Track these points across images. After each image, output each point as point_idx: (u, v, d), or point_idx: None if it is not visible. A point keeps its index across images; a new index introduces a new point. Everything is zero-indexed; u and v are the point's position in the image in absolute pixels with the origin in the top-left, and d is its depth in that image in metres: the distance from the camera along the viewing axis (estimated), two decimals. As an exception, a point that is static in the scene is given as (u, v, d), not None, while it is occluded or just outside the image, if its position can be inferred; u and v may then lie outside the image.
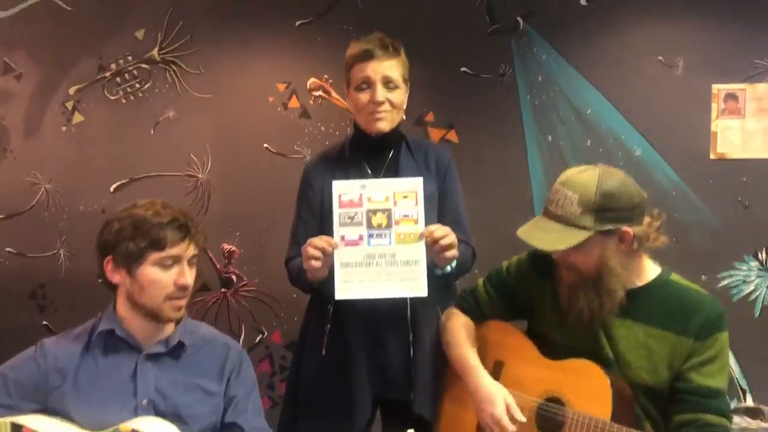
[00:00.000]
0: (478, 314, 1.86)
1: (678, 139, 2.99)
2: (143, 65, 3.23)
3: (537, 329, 1.80)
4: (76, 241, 3.27)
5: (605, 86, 3.04)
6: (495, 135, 3.10)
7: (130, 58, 3.24)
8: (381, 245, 1.68)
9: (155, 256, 1.42)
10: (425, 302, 1.76)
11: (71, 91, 3.29)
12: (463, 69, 3.10)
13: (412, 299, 1.78)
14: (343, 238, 1.69)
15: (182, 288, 1.44)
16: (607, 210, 1.50)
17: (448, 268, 1.81)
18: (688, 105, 2.99)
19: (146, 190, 3.20)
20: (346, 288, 1.68)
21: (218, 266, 3.23)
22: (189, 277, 1.46)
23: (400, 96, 1.84)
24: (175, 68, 3.22)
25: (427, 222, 1.71)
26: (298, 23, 3.19)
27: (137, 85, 3.23)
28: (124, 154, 3.23)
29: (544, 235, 1.54)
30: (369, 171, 1.86)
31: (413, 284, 1.67)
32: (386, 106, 1.80)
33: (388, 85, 1.80)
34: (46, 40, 3.27)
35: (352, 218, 1.69)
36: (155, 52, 3.22)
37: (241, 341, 3.18)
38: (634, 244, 1.55)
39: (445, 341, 1.84)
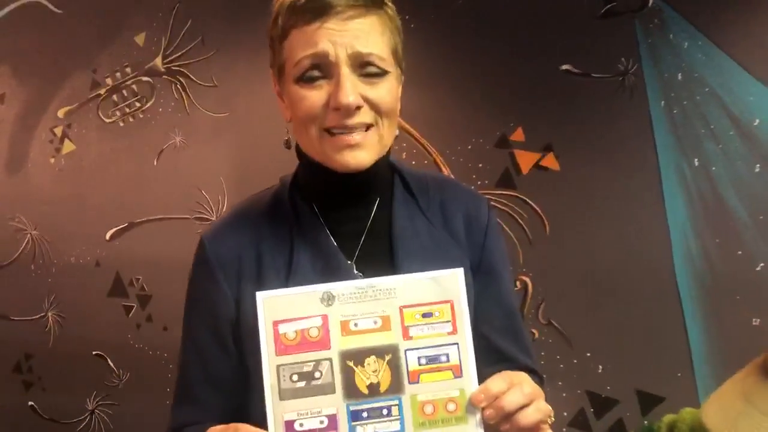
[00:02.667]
0: None
1: None
2: (144, 78, 2.85)
3: None
4: (66, 301, 2.94)
5: None
6: (614, 160, 2.42)
7: (128, 69, 2.87)
8: None
9: None
10: None
11: (60, 113, 2.95)
12: (564, 67, 2.45)
13: None
14: (290, 427, 0.81)
15: None
16: None
17: None
18: None
19: (149, 236, 2.83)
20: None
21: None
22: None
23: (391, 90, 0.94)
24: (183, 81, 2.81)
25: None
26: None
27: (137, 104, 2.85)
28: (122, 191, 2.88)
29: None
30: (334, 245, 0.98)
31: None
32: (364, 116, 0.92)
33: (365, 68, 0.92)
34: (32, 52, 2.97)
35: (307, 376, 0.82)
36: (159, 60, 2.83)
37: None
38: None
39: None
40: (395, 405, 0.80)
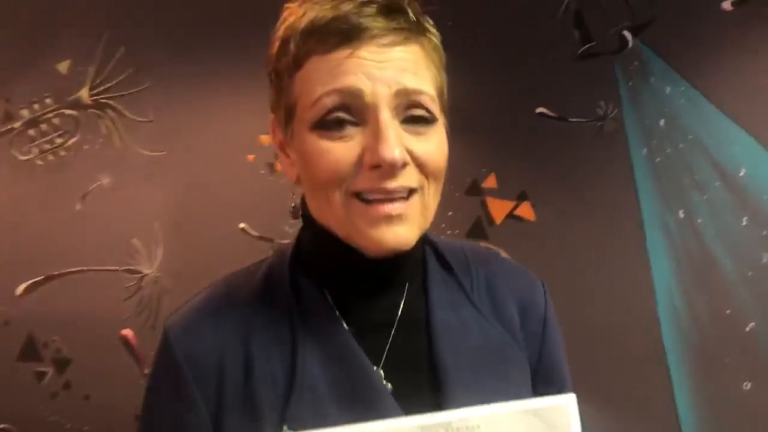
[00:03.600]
0: None
1: None
2: (68, 111, 2.66)
3: None
4: (-32, 371, 2.69)
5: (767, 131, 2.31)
6: (593, 211, 2.42)
7: (49, 101, 2.66)
8: None
9: None
10: None
11: None
12: (540, 110, 2.45)
13: None
14: None
15: None
16: None
17: None
18: None
19: (69, 291, 2.60)
20: None
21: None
22: None
23: (441, 143, 0.74)
24: (113, 114, 2.65)
25: None
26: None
27: (59, 140, 2.64)
28: (38, 239, 2.65)
29: None
30: (354, 345, 0.75)
31: None
32: (408, 177, 0.71)
33: (410, 111, 0.71)
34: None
35: None
36: (85, 91, 2.65)
37: None
38: None
39: None
40: None
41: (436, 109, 0.71)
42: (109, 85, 2.64)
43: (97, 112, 2.63)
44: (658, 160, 2.33)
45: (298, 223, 2.34)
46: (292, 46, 0.71)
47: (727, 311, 2.17)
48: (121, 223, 2.62)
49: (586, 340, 2.29)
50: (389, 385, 0.73)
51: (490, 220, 2.38)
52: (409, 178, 0.69)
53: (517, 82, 2.47)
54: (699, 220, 2.27)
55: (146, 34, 2.66)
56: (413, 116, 0.69)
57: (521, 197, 2.42)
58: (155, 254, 2.61)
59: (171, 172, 2.64)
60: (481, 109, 2.39)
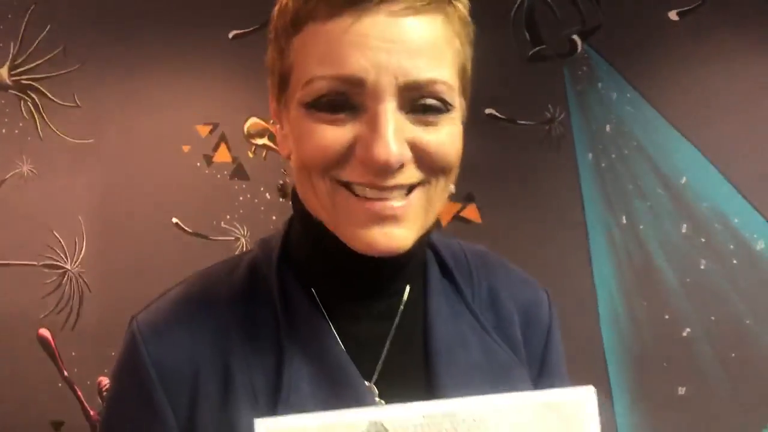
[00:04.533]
0: None
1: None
2: None
3: None
4: None
5: (709, 141, 2.36)
6: (539, 214, 2.42)
7: None
8: None
9: None
10: None
11: None
12: (488, 111, 2.42)
13: None
14: None
15: None
16: None
17: None
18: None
19: None
20: None
21: (91, 410, 2.51)
22: None
23: (454, 135, 0.63)
24: (35, 97, 2.54)
25: None
26: (232, 34, 2.61)
27: None
28: None
29: None
30: (344, 356, 0.67)
31: None
32: (409, 174, 0.61)
33: (420, 100, 0.60)
34: None
35: None
36: (4, 71, 2.53)
37: None
38: None
39: None
40: None
41: (453, 96, 0.62)
42: (32, 65, 2.52)
43: (18, 93, 2.51)
44: (603, 165, 2.33)
45: (237, 219, 2.18)
46: (290, 4, 0.61)
47: (666, 316, 2.19)
48: (42, 214, 2.53)
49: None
50: (382, 402, 0.66)
51: (437, 222, 2.33)
52: (410, 174, 0.61)
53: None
54: (641, 226, 2.29)
55: (76, 13, 2.53)
56: (423, 105, 0.60)
57: (468, 199, 2.39)
58: (78, 249, 2.49)
59: (98, 162, 2.53)
60: (429, 108, 2.35)
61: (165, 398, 0.65)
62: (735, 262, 2.19)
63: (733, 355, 2.16)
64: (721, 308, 2.18)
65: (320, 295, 0.68)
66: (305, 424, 0.52)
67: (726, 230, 2.27)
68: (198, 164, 2.55)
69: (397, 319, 0.70)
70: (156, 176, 2.53)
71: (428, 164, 0.60)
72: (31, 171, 2.49)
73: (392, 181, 0.59)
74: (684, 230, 2.27)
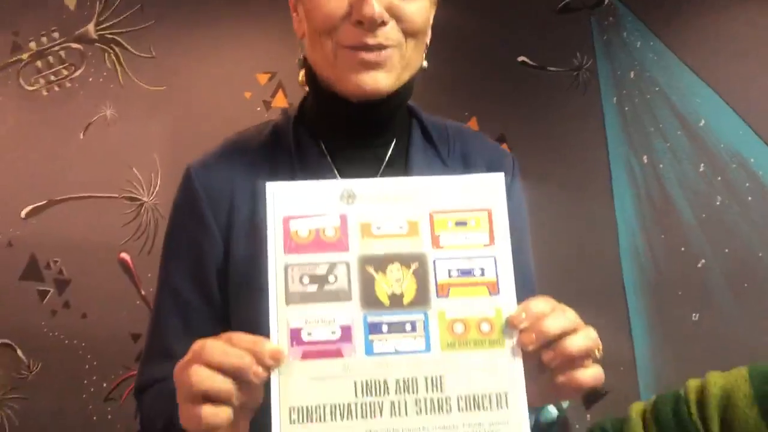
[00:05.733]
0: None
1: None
2: (74, 45, 2.66)
3: None
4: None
5: (728, 87, 2.40)
6: (565, 154, 2.47)
7: (56, 35, 2.68)
8: (401, 354, 0.71)
9: None
10: None
11: None
12: (521, 59, 2.49)
13: None
14: (296, 336, 0.69)
15: None
16: None
17: (565, 405, 0.85)
18: None
19: (70, 215, 2.62)
20: None
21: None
22: None
23: (423, 9, 0.86)
24: (117, 50, 2.65)
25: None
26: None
27: (65, 72, 2.66)
28: (42, 165, 2.66)
29: None
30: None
31: None
32: (389, 34, 0.82)
33: None
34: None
35: (320, 280, 0.72)
36: (91, 27, 2.66)
37: None
38: None
39: None
40: (420, 320, 0.69)
41: None
42: (114, 21, 2.64)
43: (102, 46, 2.64)
44: (627, 108, 2.40)
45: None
46: None
47: (682, 249, 2.28)
48: (122, 152, 2.63)
49: (551, 272, 2.41)
50: None
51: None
52: (390, 34, 0.81)
53: (500, 33, 2.48)
54: (661, 166, 2.36)
55: (152, -28, 2.64)
56: None
57: (500, 140, 2.44)
58: (154, 183, 2.63)
59: (171, 106, 2.64)
60: (466, 58, 2.43)
61: (211, 213, 0.87)
62: (749, 198, 2.28)
63: (746, 285, 2.25)
64: (734, 241, 2.26)
65: (326, 146, 0.89)
66: (302, 185, 0.71)
67: (741, 169, 2.33)
68: (258, 109, 2.65)
69: (384, 163, 0.90)
70: (220, 119, 2.58)
71: (402, 27, 0.81)
72: (113, 114, 2.63)
73: (375, 40, 0.79)
74: (701, 169, 2.35)
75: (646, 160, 2.40)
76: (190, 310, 0.89)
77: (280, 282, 0.68)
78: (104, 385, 2.55)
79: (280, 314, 0.68)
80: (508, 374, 0.69)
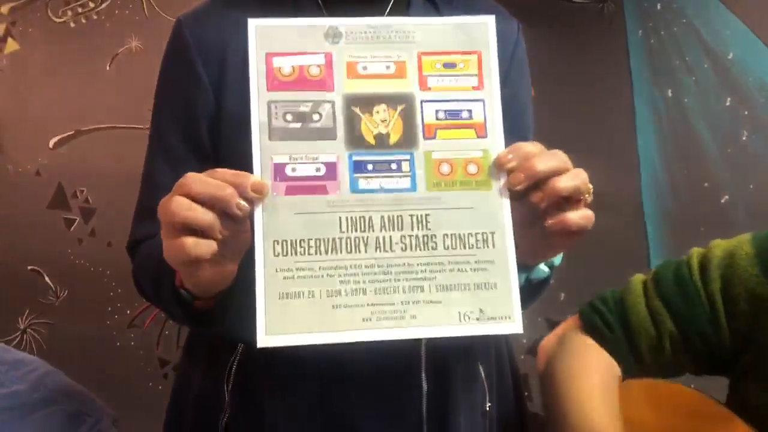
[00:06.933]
0: (629, 352, 0.98)
1: None
2: None
3: (758, 399, 0.92)
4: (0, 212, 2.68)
5: (758, 18, 2.30)
6: (588, 88, 2.41)
7: None
8: (387, 192, 0.71)
9: None
10: (466, 352, 0.90)
11: (4, 9, 2.70)
12: None
13: (432, 344, 0.88)
14: (280, 171, 0.69)
15: None
16: None
17: (556, 261, 0.85)
18: None
19: (97, 146, 2.65)
20: (288, 320, 0.66)
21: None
22: None
23: None
24: None
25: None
26: None
27: (91, 4, 2.67)
28: (70, 97, 2.68)
29: None
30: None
31: (488, 305, 0.69)
32: None
33: None
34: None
35: (304, 117, 0.71)
36: None
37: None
38: None
39: (559, 410, 0.92)
40: (406, 160, 0.70)
41: None
42: None
43: None
44: (652, 41, 2.35)
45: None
46: None
47: (705, 184, 2.25)
48: (146, 84, 2.58)
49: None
50: None
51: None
52: None
53: (523, -37, 2.47)
54: (685, 100, 2.31)
55: None
56: None
57: None
58: None
59: None
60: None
61: (200, 60, 0.86)
62: (776, 134, 2.23)
63: (769, 221, 2.24)
64: (760, 177, 2.22)
65: (324, 2, 0.88)
66: (285, 23, 0.71)
67: (770, 103, 2.28)
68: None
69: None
70: (244, 51, 2.64)
71: None
72: (138, 47, 2.66)
73: None
74: (728, 103, 2.30)
75: (670, 94, 2.36)
76: (180, 165, 0.88)
77: (263, 118, 0.68)
78: (128, 312, 2.61)
79: (263, 149, 0.68)
80: (495, 215, 0.69)
